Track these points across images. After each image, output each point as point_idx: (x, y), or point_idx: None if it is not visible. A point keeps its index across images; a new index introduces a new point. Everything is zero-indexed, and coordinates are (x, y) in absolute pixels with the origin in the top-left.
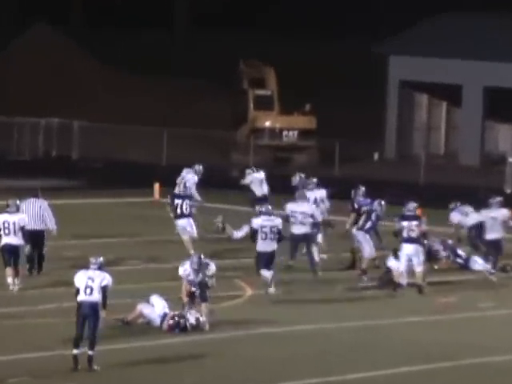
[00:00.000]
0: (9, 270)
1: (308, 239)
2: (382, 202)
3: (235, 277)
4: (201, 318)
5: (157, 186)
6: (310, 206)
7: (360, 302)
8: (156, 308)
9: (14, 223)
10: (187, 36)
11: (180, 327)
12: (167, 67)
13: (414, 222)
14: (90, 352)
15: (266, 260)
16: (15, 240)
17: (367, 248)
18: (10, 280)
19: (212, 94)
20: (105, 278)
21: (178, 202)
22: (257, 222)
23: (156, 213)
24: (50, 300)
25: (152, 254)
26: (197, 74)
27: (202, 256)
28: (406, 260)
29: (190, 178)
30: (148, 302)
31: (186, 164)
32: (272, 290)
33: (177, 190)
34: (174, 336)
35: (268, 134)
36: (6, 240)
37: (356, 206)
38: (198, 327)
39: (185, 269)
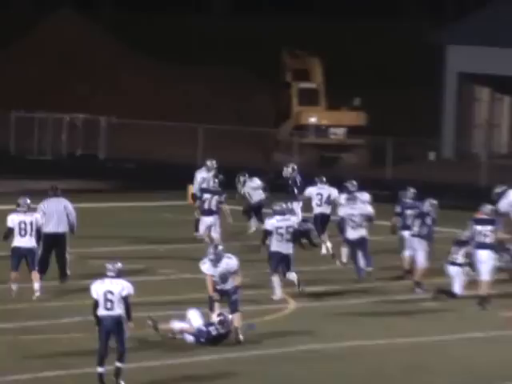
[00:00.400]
0: (14, 275)
1: (363, 244)
2: (434, 202)
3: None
4: (237, 330)
5: (191, 188)
6: (366, 206)
7: (414, 316)
8: (193, 322)
9: (31, 223)
10: (226, 22)
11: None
12: (203, 56)
13: (489, 227)
14: (119, 364)
15: (281, 262)
16: (31, 242)
17: (421, 257)
18: (14, 286)
19: (252, 86)
20: (124, 288)
21: (206, 196)
22: (271, 223)
23: (190, 217)
24: (74, 313)
25: (186, 262)
26: (235, 64)
27: (221, 247)
28: (477, 267)
29: (197, 174)
30: (185, 316)
31: (223, 164)
32: (300, 288)
33: (206, 185)
34: (209, 352)
35: (313, 132)
36: (20, 242)
37: (400, 209)
38: (225, 334)
39: (204, 262)
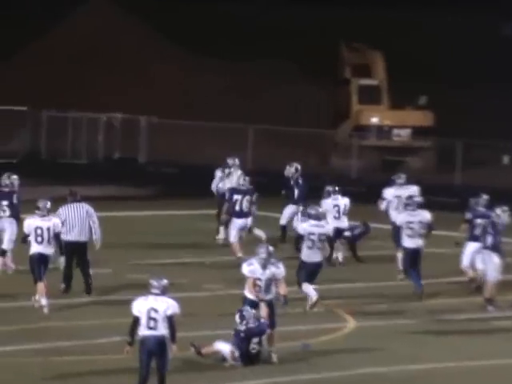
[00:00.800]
0: (41, 286)
1: (420, 254)
2: (505, 209)
3: (334, 305)
4: (271, 351)
5: None
6: (426, 213)
7: (485, 336)
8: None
9: (49, 229)
10: (275, 11)
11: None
12: (249, 50)
13: None
14: None
15: (311, 272)
16: (48, 249)
17: (493, 270)
18: (44, 301)
19: (306, 83)
20: (169, 307)
21: (237, 197)
22: (304, 227)
23: None
24: (112, 332)
25: (233, 276)
26: (287, 58)
27: (271, 248)
28: None
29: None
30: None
31: (275, 169)
32: (310, 306)
33: (236, 184)
34: (259, 376)
35: (374, 133)
36: (37, 249)
37: (470, 217)
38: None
39: (250, 263)
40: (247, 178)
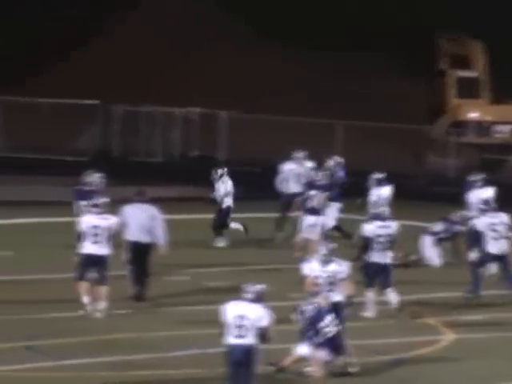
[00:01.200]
0: (84, 286)
1: (506, 258)
2: None
3: (429, 316)
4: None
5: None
6: (504, 215)
7: None
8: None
9: (106, 228)
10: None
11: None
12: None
13: None
14: None
15: (380, 274)
16: (103, 250)
17: None
18: (86, 299)
19: (399, 75)
20: (262, 317)
21: (312, 193)
22: (370, 229)
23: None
24: (188, 344)
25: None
26: (376, 47)
27: (333, 246)
28: None
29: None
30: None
31: (364, 167)
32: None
33: (311, 178)
34: None
35: (474, 129)
36: (91, 249)
37: None
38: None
39: (309, 261)
40: (321, 174)
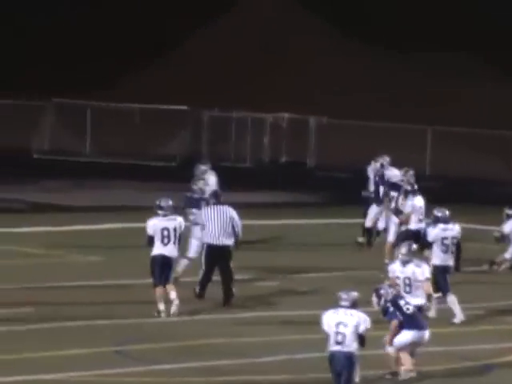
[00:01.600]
0: (160, 291)
1: None
2: None
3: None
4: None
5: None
6: None
7: None
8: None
9: (175, 229)
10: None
11: None
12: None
13: None
14: None
15: (446, 277)
16: (173, 251)
17: None
18: (162, 306)
19: (490, 79)
20: (361, 322)
21: (394, 194)
22: (435, 233)
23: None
24: (276, 351)
25: None
26: (468, 48)
27: (414, 246)
28: None
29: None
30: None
31: (455, 174)
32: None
33: (394, 178)
34: None
35: None
36: (161, 251)
37: None
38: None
39: (393, 263)
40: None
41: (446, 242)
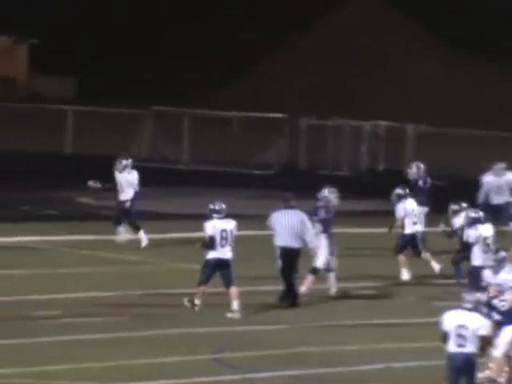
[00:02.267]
0: (204, 290)
1: None
2: None
3: None
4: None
5: None
6: None
7: None
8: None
9: (232, 232)
10: None
11: None
12: None
13: None
14: None
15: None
16: (230, 253)
17: None
18: (198, 301)
19: None
20: (481, 326)
21: None
22: (475, 234)
23: None
24: (376, 359)
25: None
26: None
27: (503, 254)
28: None
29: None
30: None
31: None
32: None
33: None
34: None
35: None
36: (219, 253)
37: None
38: None
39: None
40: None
41: (487, 241)
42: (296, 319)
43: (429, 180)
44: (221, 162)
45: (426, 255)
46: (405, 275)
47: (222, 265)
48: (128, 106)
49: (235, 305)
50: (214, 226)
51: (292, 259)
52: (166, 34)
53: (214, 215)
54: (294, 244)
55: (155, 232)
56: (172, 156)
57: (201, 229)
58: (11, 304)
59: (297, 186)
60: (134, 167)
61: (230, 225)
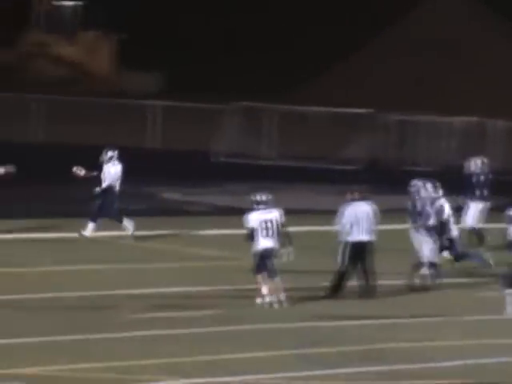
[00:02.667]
0: (265, 276)
1: None
2: None
3: None
4: None
5: None
6: None
7: None
8: None
9: (276, 221)
10: None
11: None
12: None
13: None
14: None
15: None
16: (275, 242)
17: None
18: (265, 290)
19: None
20: None
21: None
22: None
23: None
24: (457, 355)
25: None
26: None
27: None
28: None
29: None
30: None
31: None
32: None
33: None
34: None
35: None
36: (264, 244)
37: None
38: None
39: None
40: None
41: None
42: (379, 314)
43: (490, 176)
44: (307, 157)
45: None
46: None
47: (267, 255)
48: (215, 100)
49: (281, 296)
50: (257, 219)
51: (364, 252)
52: (256, 28)
53: (258, 206)
54: (366, 237)
55: (242, 228)
56: (256, 151)
57: (290, 223)
58: (99, 298)
59: (381, 182)
60: (120, 160)
61: (273, 214)
